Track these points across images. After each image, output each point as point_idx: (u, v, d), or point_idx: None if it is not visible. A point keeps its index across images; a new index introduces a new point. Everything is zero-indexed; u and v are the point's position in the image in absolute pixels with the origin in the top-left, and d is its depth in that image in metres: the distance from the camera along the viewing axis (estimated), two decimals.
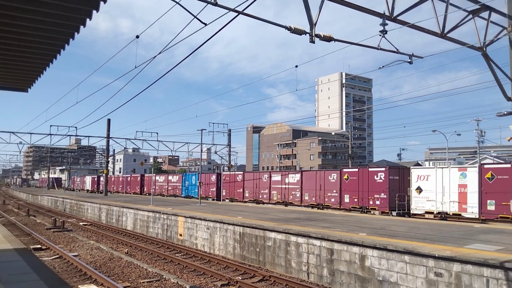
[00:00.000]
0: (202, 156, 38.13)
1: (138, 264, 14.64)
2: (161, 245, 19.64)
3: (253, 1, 7.33)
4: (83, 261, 15.08)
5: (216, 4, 7.16)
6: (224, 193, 37.73)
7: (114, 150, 73.65)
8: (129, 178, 56.78)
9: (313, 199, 28.56)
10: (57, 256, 16.23)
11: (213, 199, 38.44)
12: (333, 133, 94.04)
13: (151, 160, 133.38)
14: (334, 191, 27.23)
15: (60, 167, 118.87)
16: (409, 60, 11.08)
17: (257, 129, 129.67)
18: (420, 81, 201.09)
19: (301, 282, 12.45)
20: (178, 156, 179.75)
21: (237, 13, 7.66)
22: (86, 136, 44.96)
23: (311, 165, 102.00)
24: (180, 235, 20.45)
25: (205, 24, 7.36)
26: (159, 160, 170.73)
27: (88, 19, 6.53)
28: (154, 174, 49.89)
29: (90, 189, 65.22)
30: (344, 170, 27.26)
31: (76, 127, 40.22)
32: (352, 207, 25.61)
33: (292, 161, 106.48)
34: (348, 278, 11.87)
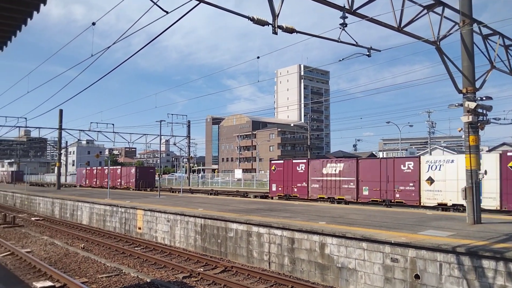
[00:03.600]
0: (161, 148, 37.47)
1: (96, 259, 14.24)
2: (119, 239, 19.20)
3: None
4: (36, 257, 14.46)
5: None
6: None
7: (66, 142, 70.88)
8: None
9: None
10: (9, 252, 15.47)
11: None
12: (292, 125, 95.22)
13: (107, 152, 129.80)
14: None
15: (9, 160, 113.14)
16: (368, 53, 11.36)
17: (216, 121, 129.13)
18: (376, 73, 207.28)
19: (262, 271, 12.57)
20: (135, 148, 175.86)
21: (198, 1, 7.52)
22: (37, 128, 43.22)
23: (271, 156, 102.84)
24: (139, 228, 20.07)
25: (167, 12, 7.18)
26: (115, 152, 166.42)
27: (42, 4, 6.19)
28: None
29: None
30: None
31: (25, 118, 38.47)
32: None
33: (252, 153, 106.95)
34: (308, 266, 12.11)
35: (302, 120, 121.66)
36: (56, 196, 30.79)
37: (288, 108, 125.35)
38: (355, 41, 10.98)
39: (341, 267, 11.25)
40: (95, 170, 55.57)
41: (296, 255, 12.49)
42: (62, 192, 36.80)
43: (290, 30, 9.33)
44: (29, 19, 6.59)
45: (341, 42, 10.47)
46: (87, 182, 56.50)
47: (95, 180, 54.05)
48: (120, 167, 53.64)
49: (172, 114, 45.05)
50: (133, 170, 47.51)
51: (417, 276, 9.63)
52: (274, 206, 20.57)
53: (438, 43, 12.44)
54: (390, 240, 10.19)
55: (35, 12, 6.44)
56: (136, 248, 16.74)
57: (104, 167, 54.67)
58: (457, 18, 13.21)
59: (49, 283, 10.88)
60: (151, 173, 48.79)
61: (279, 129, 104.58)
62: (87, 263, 13.75)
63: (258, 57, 13.00)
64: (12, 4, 6.07)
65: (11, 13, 6.39)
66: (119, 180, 49.33)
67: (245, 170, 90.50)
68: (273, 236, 13.26)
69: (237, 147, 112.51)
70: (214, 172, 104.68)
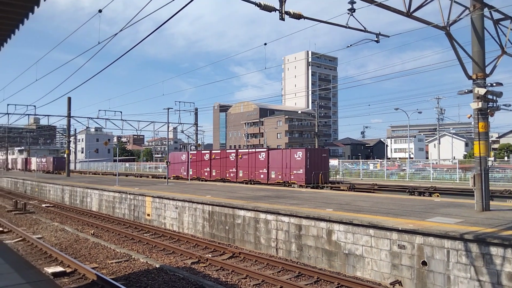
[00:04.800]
0: (169, 135, 37.60)
1: (106, 245, 14.44)
2: (128, 225, 19.43)
3: None
4: (47, 243, 14.71)
5: None
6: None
7: (75, 129, 71.49)
8: None
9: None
10: (20, 238, 15.76)
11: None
12: (299, 112, 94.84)
13: (115, 139, 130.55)
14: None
15: (19, 148, 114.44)
16: (376, 39, 11.23)
17: (224, 108, 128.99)
18: (385, 59, 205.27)
19: (270, 257, 12.67)
20: (143, 136, 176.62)
21: None
22: (46, 115, 43.33)
23: (278, 143, 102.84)
24: (148, 215, 20.28)
25: None
26: (123, 139, 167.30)
27: None
28: None
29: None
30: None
31: (35, 106, 38.74)
32: None
33: (260, 140, 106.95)
34: (315, 252, 12.18)
35: (310, 107, 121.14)
36: (66, 183, 31.15)
37: (296, 95, 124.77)
38: (363, 26, 10.85)
39: (348, 254, 11.30)
40: (208, 154, 37.92)
41: (303, 242, 12.56)
42: (71, 179, 37.20)
43: (298, 16, 9.24)
44: (36, 7, 6.60)
45: (349, 27, 10.36)
46: (192, 173, 39.42)
47: (207, 170, 37.78)
48: (265, 149, 33.99)
49: (179, 102, 44.87)
50: (300, 154, 29.72)
51: (424, 263, 9.65)
52: (282, 193, 20.64)
53: (448, 28, 12.25)
54: (398, 227, 10.19)
55: (42, 0, 6.45)
56: (145, 235, 16.94)
57: (228, 150, 36.81)
58: (467, 3, 12.97)
59: (60, 269, 11.08)
60: (324, 159, 30.62)
61: (287, 116, 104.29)
62: (97, 249, 13.96)
63: (265, 44, 12.93)
64: None
65: (18, 1, 6.40)
66: (265, 170, 32.35)
67: None
68: (281, 223, 13.33)
69: (244, 134, 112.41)
70: None
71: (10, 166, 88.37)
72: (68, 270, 11.14)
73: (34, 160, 73.41)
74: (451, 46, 12.55)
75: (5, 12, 6.86)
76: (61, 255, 12.44)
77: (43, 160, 71.05)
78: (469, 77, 12.97)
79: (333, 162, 52.08)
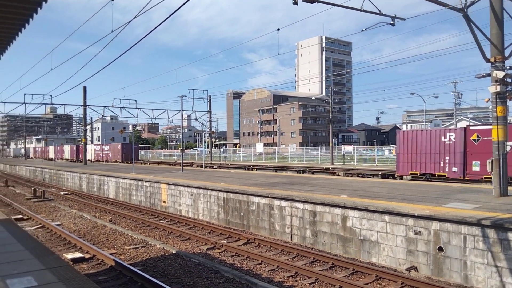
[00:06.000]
0: (183, 123, 37.82)
1: (123, 232, 14.68)
2: (144, 212, 19.70)
3: None
4: (66, 230, 15.03)
5: None
6: None
7: (91, 118, 72.10)
8: None
9: None
10: (40, 225, 16.12)
11: None
12: (313, 98, 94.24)
13: (130, 128, 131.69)
14: None
15: (36, 137, 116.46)
16: (392, 22, 11.01)
17: (237, 95, 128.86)
18: (400, 43, 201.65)
19: (284, 243, 12.73)
20: (158, 124, 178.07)
21: None
22: (62, 104, 43.89)
23: (292, 130, 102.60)
24: (164, 202, 20.52)
25: None
26: (138, 128, 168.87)
27: None
28: None
29: None
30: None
31: (51, 95, 39.23)
32: None
33: (273, 127, 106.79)
34: (330, 238, 12.20)
35: (324, 93, 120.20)
36: (84, 171, 31.65)
37: (309, 81, 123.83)
38: (378, 9, 10.65)
39: (363, 240, 11.29)
40: None
41: (318, 228, 12.57)
42: (88, 167, 37.77)
43: (311, 0, 9.10)
44: (39, 8, 6.63)
45: (364, 11, 10.17)
46: (479, 169, 20.29)
47: None
48: None
49: (193, 89, 45.03)
50: None
51: (440, 249, 9.59)
52: (296, 179, 20.64)
53: (465, 10, 11.95)
54: (414, 213, 10.12)
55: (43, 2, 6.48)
56: (161, 221, 17.16)
57: None
58: None
59: (79, 255, 11.32)
60: None
61: (300, 103, 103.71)
62: (115, 235, 14.20)
63: (278, 29, 12.82)
64: None
65: (20, 3, 6.42)
66: None
67: (266, 144, 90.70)
68: (295, 209, 13.35)
69: (258, 121, 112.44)
70: (236, 147, 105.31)
71: (53, 156, 77.12)
72: (87, 256, 11.37)
73: (91, 148, 58.24)
74: (468, 28, 12.26)
75: (8, 13, 6.93)
76: (79, 241, 12.70)
77: (105, 148, 56.89)
78: (487, 60, 12.67)
79: (348, 148, 51.82)
